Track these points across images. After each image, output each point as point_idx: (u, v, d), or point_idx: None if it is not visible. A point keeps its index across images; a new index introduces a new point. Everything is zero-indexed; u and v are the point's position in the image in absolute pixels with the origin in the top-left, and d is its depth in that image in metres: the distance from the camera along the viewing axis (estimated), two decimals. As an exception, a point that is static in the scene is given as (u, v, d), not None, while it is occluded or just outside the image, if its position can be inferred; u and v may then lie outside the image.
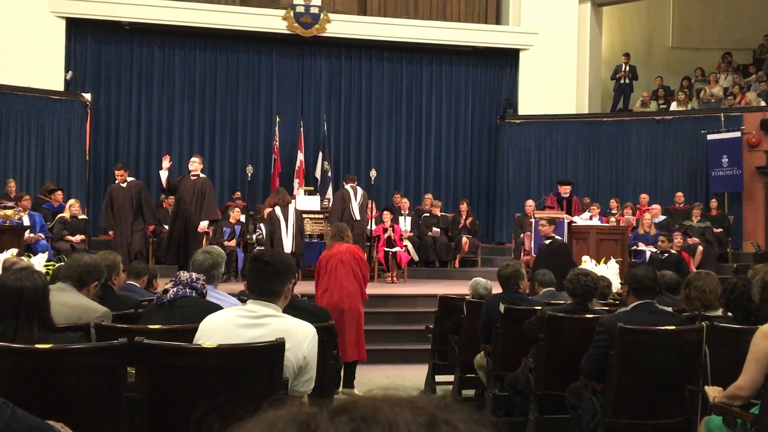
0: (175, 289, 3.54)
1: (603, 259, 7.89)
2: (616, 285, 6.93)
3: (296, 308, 3.90)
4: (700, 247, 11.35)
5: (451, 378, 6.42)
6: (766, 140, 12.69)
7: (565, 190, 11.38)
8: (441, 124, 14.51)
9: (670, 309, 4.42)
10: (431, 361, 6.87)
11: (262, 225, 10.52)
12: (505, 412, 5.32)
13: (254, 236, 10.67)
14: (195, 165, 9.64)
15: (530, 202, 12.24)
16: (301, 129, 13.56)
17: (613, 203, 12.72)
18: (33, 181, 12.08)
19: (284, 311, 3.00)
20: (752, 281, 3.87)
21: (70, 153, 12.53)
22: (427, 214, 12.57)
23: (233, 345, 2.80)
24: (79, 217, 10.43)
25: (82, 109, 12.70)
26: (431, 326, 7.18)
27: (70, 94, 12.65)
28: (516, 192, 13.93)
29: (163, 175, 9.54)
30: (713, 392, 3.48)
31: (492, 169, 14.59)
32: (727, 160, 12.65)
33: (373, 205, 11.93)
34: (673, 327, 4.02)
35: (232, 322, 2.88)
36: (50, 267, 5.81)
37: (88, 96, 12.78)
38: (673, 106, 14.16)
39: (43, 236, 9.57)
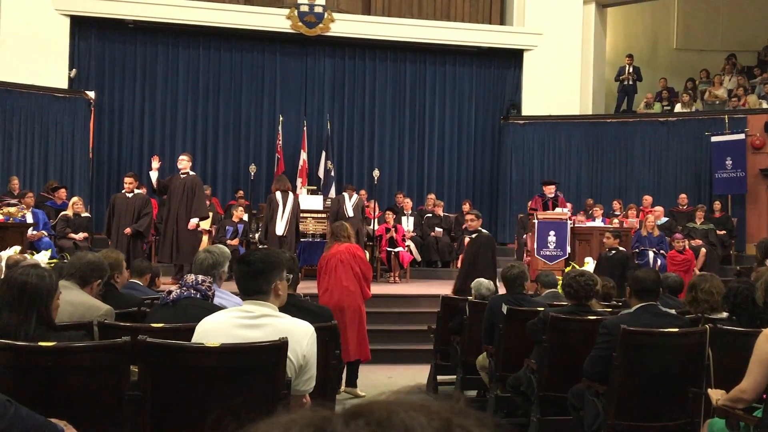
0: (179, 290, 3.55)
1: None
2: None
3: (298, 307, 3.90)
4: (704, 249, 11.33)
5: (453, 378, 6.42)
6: (770, 142, 12.66)
7: (549, 191, 11.32)
8: (444, 124, 14.51)
9: (673, 311, 4.41)
10: (433, 362, 6.86)
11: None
12: (507, 413, 5.32)
13: (257, 235, 10.67)
14: (183, 163, 9.66)
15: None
16: (305, 128, 13.56)
17: (616, 205, 12.71)
18: (36, 179, 12.10)
19: (286, 310, 3.00)
20: (756, 284, 3.85)
21: (74, 151, 12.55)
22: (430, 215, 12.57)
23: (236, 344, 2.80)
24: (82, 214, 10.44)
25: (85, 107, 12.72)
26: (433, 326, 7.18)
27: (73, 92, 12.67)
28: (519, 193, 13.92)
29: (153, 176, 9.61)
30: (716, 395, 3.47)
31: (495, 170, 14.58)
32: (730, 162, 12.62)
33: (376, 205, 11.95)
34: (676, 329, 4.01)
35: (229, 322, 2.87)
36: (53, 264, 5.81)
37: (91, 94, 12.80)
38: (677, 108, 14.14)
39: (46, 234, 9.59)
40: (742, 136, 12.69)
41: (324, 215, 11.34)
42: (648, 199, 12.68)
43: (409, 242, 11.54)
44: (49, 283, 2.88)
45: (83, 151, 12.67)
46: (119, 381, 2.76)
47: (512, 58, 14.48)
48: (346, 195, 11.07)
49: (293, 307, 3.59)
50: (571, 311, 4.72)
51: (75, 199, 10.61)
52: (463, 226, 12.47)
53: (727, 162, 12.67)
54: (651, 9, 16.08)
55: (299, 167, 13.38)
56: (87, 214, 10.69)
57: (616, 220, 11.71)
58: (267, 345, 2.76)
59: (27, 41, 12.20)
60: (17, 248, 6.67)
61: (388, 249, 11.10)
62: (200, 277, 3.62)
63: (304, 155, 13.40)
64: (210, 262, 3.85)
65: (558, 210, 10.56)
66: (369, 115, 14.29)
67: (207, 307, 3.43)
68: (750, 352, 3.26)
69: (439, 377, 6.75)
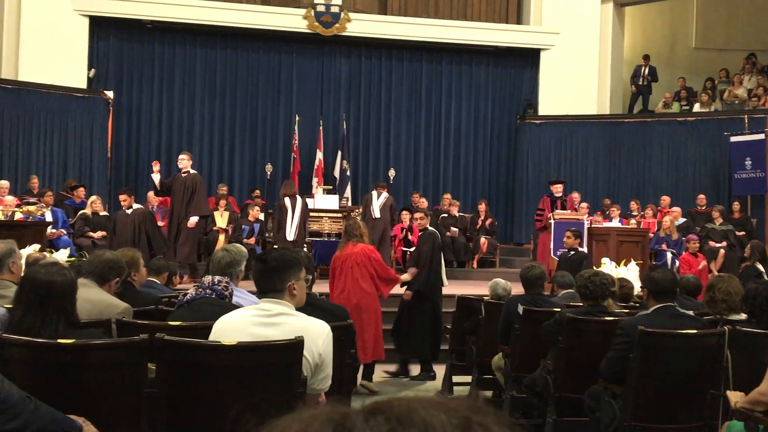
0: (194, 292, 3.57)
1: (623, 261, 7.85)
2: (637, 288, 6.89)
3: (314, 306, 3.91)
4: (722, 251, 11.22)
5: (468, 379, 6.41)
6: (790, 143, 12.51)
7: (557, 189, 11.24)
8: (460, 123, 14.48)
9: (691, 312, 4.37)
10: (449, 362, 6.85)
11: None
12: (522, 414, 5.30)
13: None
14: (184, 162, 9.73)
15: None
16: (321, 128, 13.60)
17: (633, 205, 12.62)
18: (56, 178, 12.23)
19: (303, 309, 3.00)
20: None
21: (93, 150, 12.67)
22: (446, 215, 12.55)
23: (252, 342, 2.81)
24: (101, 213, 10.53)
25: (104, 107, 12.83)
26: (449, 326, 7.17)
27: (92, 91, 12.79)
28: (535, 193, 13.83)
29: (156, 178, 9.70)
30: (735, 397, 3.44)
31: (511, 170, 14.53)
32: (750, 162, 12.49)
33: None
34: (694, 330, 3.98)
35: (246, 321, 2.89)
36: (71, 262, 5.87)
37: (110, 94, 12.92)
38: (696, 108, 14.01)
39: (64, 232, 9.68)
40: (761, 136, 12.54)
41: (339, 215, 11.35)
42: (666, 199, 12.58)
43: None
44: (71, 279, 2.90)
45: (102, 150, 12.79)
46: (137, 378, 2.79)
47: (529, 58, 14.42)
48: (374, 194, 10.97)
49: (309, 306, 3.59)
50: (587, 312, 4.69)
51: (93, 198, 10.71)
52: (478, 226, 12.47)
53: (746, 162, 12.54)
54: (669, 8, 15.94)
55: (315, 167, 13.42)
56: (105, 213, 10.78)
57: (633, 221, 11.62)
58: (283, 343, 2.78)
59: (46, 42, 12.33)
60: (36, 246, 6.74)
61: (404, 249, 11.09)
62: (217, 278, 3.63)
63: (320, 155, 13.44)
64: (227, 260, 3.86)
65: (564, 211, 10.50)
66: (385, 114, 14.29)
67: (223, 305, 3.45)
68: (769, 355, 3.23)
69: (454, 377, 6.74)
